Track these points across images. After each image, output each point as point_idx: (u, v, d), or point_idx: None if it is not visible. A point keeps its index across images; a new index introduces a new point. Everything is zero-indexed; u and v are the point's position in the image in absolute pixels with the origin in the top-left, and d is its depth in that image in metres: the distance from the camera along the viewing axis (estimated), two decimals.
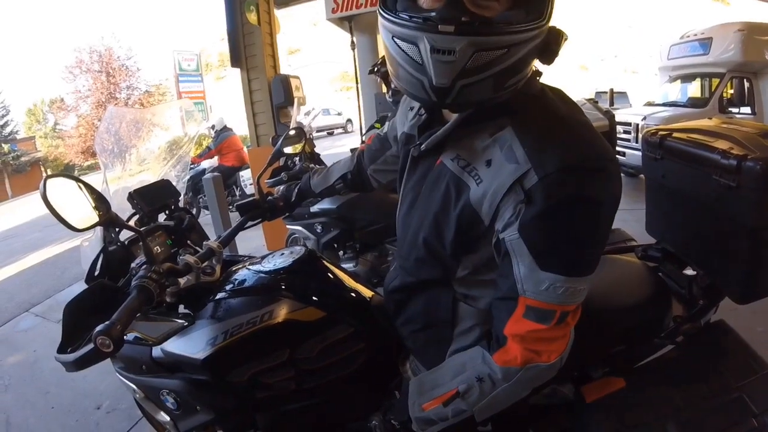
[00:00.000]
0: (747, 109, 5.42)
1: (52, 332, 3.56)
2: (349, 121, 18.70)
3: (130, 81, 23.74)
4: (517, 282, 0.65)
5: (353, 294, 1.03)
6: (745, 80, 5.46)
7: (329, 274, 1.05)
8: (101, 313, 0.86)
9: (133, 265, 1.03)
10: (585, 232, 0.63)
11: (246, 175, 6.03)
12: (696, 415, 0.79)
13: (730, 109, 5.41)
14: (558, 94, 0.73)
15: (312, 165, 1.60)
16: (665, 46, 6.51)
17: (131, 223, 1.11)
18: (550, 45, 0.64)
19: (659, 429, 0.78)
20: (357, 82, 4.83)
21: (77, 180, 0.82)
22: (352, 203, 2.38)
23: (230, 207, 3.65)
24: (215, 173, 4.29)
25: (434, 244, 0.75)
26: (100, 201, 0.82)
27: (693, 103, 5.79)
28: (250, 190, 5.85)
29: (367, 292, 1.06)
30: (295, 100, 3.56)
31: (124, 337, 0.73)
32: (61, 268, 5.44)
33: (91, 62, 22.63)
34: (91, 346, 0.73)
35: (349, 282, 1.06)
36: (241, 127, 6.72)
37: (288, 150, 1.37)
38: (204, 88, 13.71)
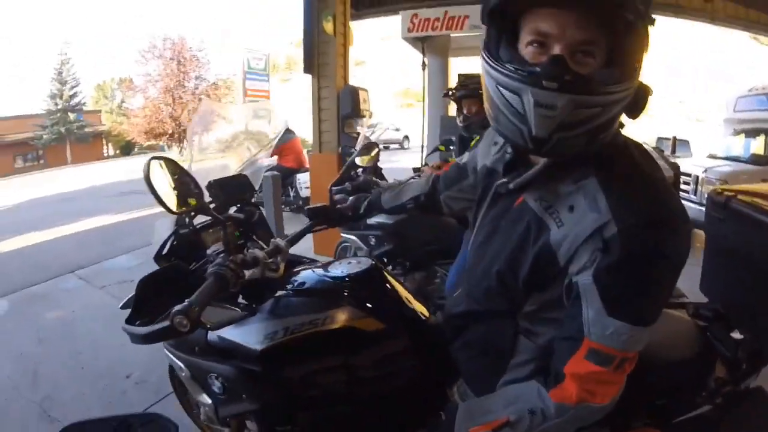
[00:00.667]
0: None
1: (93, 297, 3.70)
2: (406, 137, 18.77)
3: (199, 72, 24.89)
4: (584, 324, 0.68)
5: (412, 311, 1.05)
6: None
7: (392, 288, 1.07)
8: (171, 292, 0.91)
9: (209, 251, 1.08)
10: (654, 286, 0.67)
11: (303, 179, 6.07)
12: None
13: None
14: (639, 148, 0.76)
15: (375, 179, 1.65)
16: (732, 97, 6.26)
17: None
18: (638, 100, 0.68)
19: None
20: (424, 102, 4.89)
21: (180, 166, 0.87)
22: (409, 221, 2.39)
23: (284, 207, 3.70)
24: (275, 172, 4.36)
25: (508, 277, 0.78)
26: (196, 188, 0.87)
27: (755, 159, 5.51)
28: (305, 192, 5.88)
29: (425, 311, 1.07)
30: (367, 114, 3.64)
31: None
32: (113, 237, 5.69)
33: (164, 49, 23.92)
34: (166, 323, 0.77)
35: (410, 299, 1.08)
36: (299, 131, 6.92)
37: (358, 162, 1.43)
38: (269, 87, 14.10)
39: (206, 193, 1.22)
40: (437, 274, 2.49)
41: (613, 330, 0.66)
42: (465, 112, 2.29)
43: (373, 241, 2.52)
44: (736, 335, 1.07)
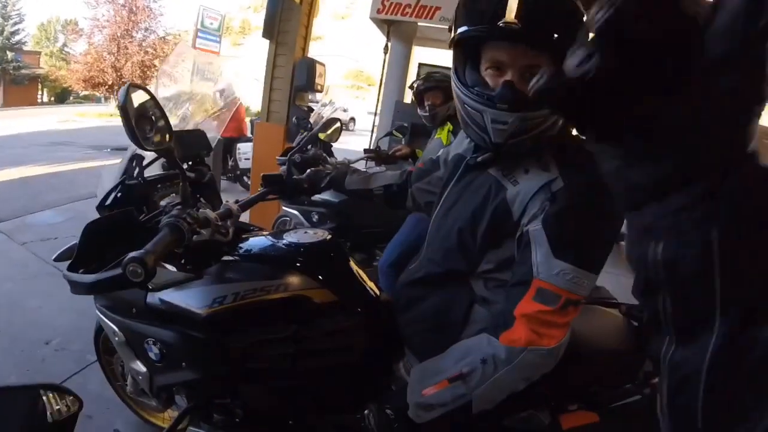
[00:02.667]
0: None
1: (12, 254, 3.36)
2: (352, 119, 18.54)
3: (150, 23, 23.30)
4: (533, 266, 0.78)
5: (366, 287, 1.05)
6: None
7: (347, 263, 1.06)
8: (119, 242, 0.85)
9: (163, 203, 1.01)
10: (594, 235, 0.79)
11: (243, 148, 5.81)
12: None
13: None
14: None
15: (324, 155, 1.61)
16: None
17: (155, 164, 1.11)
18: None
19: None
20: (381, 85, 4.85)
21: (156, 100, 0.80)
22: (354, 202, 2.38)
23: (222, 176, 3.50)
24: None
25: (467, 234, 0.89)
26: (168, 128, 0.81)
27: None
28: (244, 164, 5.64)
29: (375, 288, 1.07)
30: (322, 89, 3.55)
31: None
32: (37, 190, 5.23)
33: None
34: (118, 271, 0.71)
35: (362, 275, 1.07)
36: (242, 98, 6.62)
37: (321, 137, 1.39)
38: (220, 49, 13.49)
39: None
40: (376, 257, 2.51)
41: (560, 270, 0.77)
42: (430, 103, 2.32)
43: (315, 218, 2.50)
44: None
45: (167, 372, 0.99)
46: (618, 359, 1.07)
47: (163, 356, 0.97)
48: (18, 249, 3.45)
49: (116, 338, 1.07)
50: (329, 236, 1.05)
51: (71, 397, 0.65)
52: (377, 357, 1.00)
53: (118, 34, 22.14)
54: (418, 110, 2.40)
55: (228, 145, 5.87)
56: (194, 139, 1.20)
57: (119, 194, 1.11)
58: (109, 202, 1.11)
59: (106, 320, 1.08)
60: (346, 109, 18.75)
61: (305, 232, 1.06)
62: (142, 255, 0.70)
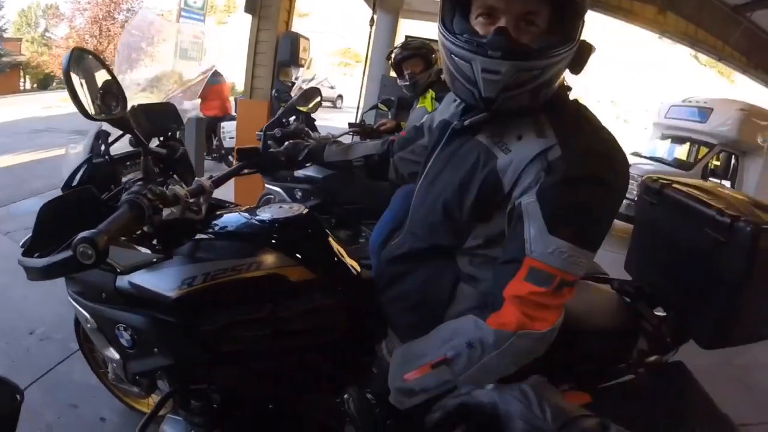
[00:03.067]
0: (727, 183, 5.65)
1: None
2: (340, 96, 18.51)
3: (132, 4, 22.72)
4: (526, 242, 0.70)
5: (345, 264, 1.01)
6: (733, 156, 5.74)
7: (325, 239, 1.02)
8: (79, 223, 0.79)
9: (125, 179, 0.96)
10: (593, 210, 0.71)
11: (228, 127, 5.69)
12: None
13: (711, 178, 5.63)
14: (587, 108, 0.81)
15: (307, 129, 1.55)
16: (665, 105, 6.73)
17: (122, 140, 1.05)
18: (580, 58, 0.75)
19: None
20: (367, 58, 4.76)
21: (105, 66, 0.75)
22: (339, 177, 2.33)
23: (206, 156, 3.45)
24: (200, 114, 4.11)
25: (453, 207, 0.81)
26: (121, 97, 0.75)
27: (678, 164, 6.01)
28: (229, 143, 5.53)
29: (356, 266, 1.03)
30: (306, 63, 3.46)
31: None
32: (21, 178, 5.13)
33: None
34: (68, 253, 0.67)
35: (342, 252, 1.03)
36: (228, 77, 6.51)
37: (301, 108, 1.32)
38: (204, 29, 13.23)
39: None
40: (362, 233, 2.47)
41: (555, 248, 0.69)
42: (410, 71, 2.27)
43: (299, 195, 2.45)
44: (660, 312, 1.15)
45: (140, 358, 0.95)
46: (610, 337, 1.04)
47: (135, 342, 0.93)
48: (1, 239, 3.37)
49: (88, 325, 1.03)
50: (306, 211, 1.00)
51: (11, 388, 0.59)
52: (358, 337, 0.96)
53: (100, 16, 21.53)
54: (398, 80, 2.35)
55: (212, 124, 5.79)
56: (163, 112, 1.13)
57: (85, 173, 1.04)
58: (75, 182, 1.05)
59: (77, 306, 1.03)
60: (333, 86, 18.72)
61: (280, 207, 1.01)
62: (93, 235, 0.65)
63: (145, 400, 1.54)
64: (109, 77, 0.75)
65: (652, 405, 0.90)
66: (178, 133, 1.22)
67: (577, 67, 0.76)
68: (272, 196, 2.66)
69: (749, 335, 1.02)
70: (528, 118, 0.76)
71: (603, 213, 0.73)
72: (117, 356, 1.00)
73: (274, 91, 2.48)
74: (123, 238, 0.87)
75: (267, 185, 2.62)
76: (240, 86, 3.85)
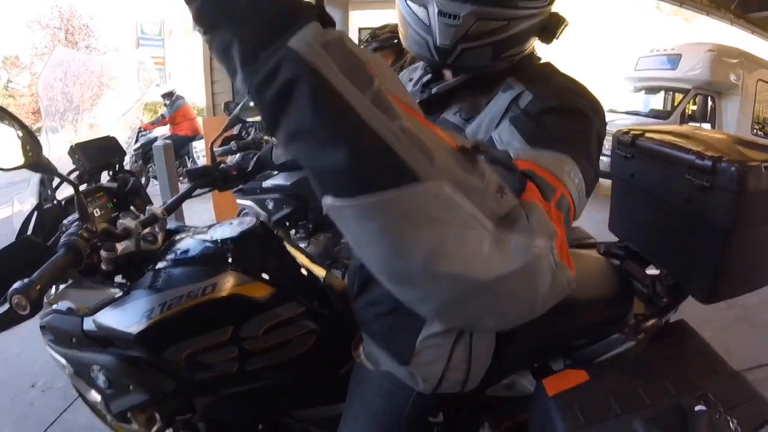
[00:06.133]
0: (707, 126, 5.65)
1: None
2: None
3: (90, 41, 22.47)
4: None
5: (305, 272, 0.98)
6: (709, 98, 5.70)
7: (280, 249, 1.00)
8: (28, 273, 0.78)
9: (64, 222, 0.93)
10: (572, 132, 0.58)
11: (199, 146, 5.78)
12: (661, 410, 0.78)
13: (691, 123, 5.63)
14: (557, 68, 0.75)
15: (267, 136, 1.50)
16: (634, 57, 6.73)
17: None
18: (550, 27, 0.69)
19: (625, 424, 0.76)
20: None
21: (7, 113, 0.72)
22: (307, 180, 2.29)
23: (181, 178, 3.42)
24: (167, 141, 4.10)
25: None
26: (32, 142, 0.73)
27: (655, 114, 6.02)
28: (203, 161, 5.57)
29: (320, 271, 1.00)
30: None
31: (50, 304, 0.69)
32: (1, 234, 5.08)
33: (51, 17, 21.27)
34: (6, 306, 0.67)
35: (302, 259, 1.01)
36: (201, 98, 6.57)
37: (247, 118, 1.28)
38: (165, 53, 13.16)
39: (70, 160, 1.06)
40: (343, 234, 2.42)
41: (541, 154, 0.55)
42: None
43: (271, 206, 2.40)
44: (652, 271, 1.09)
45: (118, 398, 0.92)
46: (602, 306, 0.99)
47: (111, 382, 0.91)
48: None
49: (66, 371, 1.00)
50: (255, 223, 0.98)
51: None
52: (332, 346, 0.93)
53: None
54: None
55: (184, 145, 5.85)
56: (103, 147, 1.09)
57: (37, 220, 1.01)
58: (29, 230, 1.01)
59: (53, 354, 1.00)
60: None
61: (230, 224, 0.98)
62: (25, 286, 0.66)
63: None
64: (20, 126, 0.73)
65: (656, 373, 0.85)
66: (131, 165, 1.18)
67: (547, 36, 0.70)
68: (247, 211, 2.61)
69: (748, 284, 0.96)
70: (497, 87, 0.69)
71: (581, 136, 0.59)
72: (99, 398, 0.97)
73: (223, 105, 2.43)
74: (88, 281, 0.87)
75: (238, 201, 2.58)
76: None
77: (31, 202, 1.09)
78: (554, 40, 0.70)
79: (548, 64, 0.75)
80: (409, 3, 0.67)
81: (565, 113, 0.60)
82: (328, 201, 0.33)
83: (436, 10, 0.63)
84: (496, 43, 0.65)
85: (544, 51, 0.76)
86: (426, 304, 0.39)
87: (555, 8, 0.69)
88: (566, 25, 0.70)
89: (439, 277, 0.34)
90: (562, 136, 0.57)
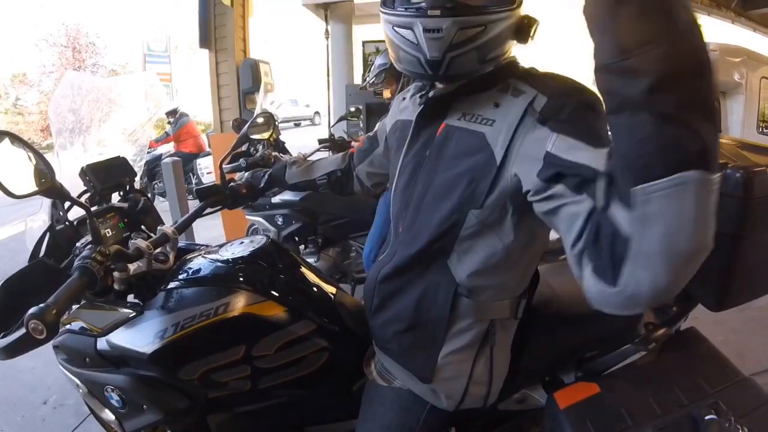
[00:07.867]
0: None
1: None
2: (317, 113, 18.54)
3: (96, 59, 22.80)
4: (584, 167, 0.57)
5: (316, 289, 0.98)
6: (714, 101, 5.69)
7: (291, 267, 1.00)
8: (42, 295, 0.79)
9: (77, 244, 0.95)
10: (603, 127, 0.61)
11: (204, 163, 5.82)
12: (672, 420, 0.77)
13: None
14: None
15: (275, 153, 1.52)
16: None
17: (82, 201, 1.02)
18: (524, 28, 0.75)
19: None
20: (328, 71, 4.76)
21: (20, 140, 0.74)
22: (317, 196, 2.31)
23: (188, 195, 3.45)
24: (175, 158, 4.15)
25: (443, 201, 0.76)
26: (45, 168, 0.74)
27: None
28: (207, 178, 5.67)
29: (330, 288, 1.00)
30: (262, 85, 3.42)
31: (63, 323, 0.69)
32: (13, 250, 5.12)
33: (58, 36, 21.62)
34: (23, 331, 0.69)
35: (312, 276, 1.00)
36: (207, 114, 6.61)
37: (255, 136, 1.29)
38: (171, 70, 13.31)
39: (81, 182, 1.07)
40: (352, 248, 2.44)
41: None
42: (390, 95, 2.25)
43: (280, 221, 2.42)
44: None
45: (132, 417, 0.93)
46: (613, 316, 0.96)
47: (124, 402, 0.92)
48: None
49: (80, 390, 1.02)
50: (266, 242, 0.99)
51: None
52: (344, 363, 0.94)
53: None
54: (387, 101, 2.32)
55: (188, 162, 5.88)
56: (113, 167, 1.10)
57: (49, 242, 1.03)
58: (42, 252, 1.03)
59: (67, 373, 1.02)
60: (308, 104, 19.05)
61: (241, 242, 0.99)
62: (41, 310, 0.65)
63: None
64: (34, 153, 0.74)
65: (667, 382, 0.84)
66: (139, 183, 1.19)
67: (523, 37, 0.75)
68: (257, 227, 2.64)
69: (759, 290, 0.93)
70: (493, 88, 0.74)
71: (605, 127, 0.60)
72: (113, 417, 0.98)
73: (231, 122, 2.46)
74: (100, 301, 0.88)
75: (248, 217, 2.60)
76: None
77: (44, 219, 1.11)
78: (530, 39, 0.75)
79: (533, 68, 0.78)
80: (397, 29, 0.74)
81: (586, 110, 0.64)
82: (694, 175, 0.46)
83: (422, 28, 0.70)
84: (479, 48, 0.71)
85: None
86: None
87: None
88: (538, 25, 0.75)
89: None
90: (604, 132, 0.61)
